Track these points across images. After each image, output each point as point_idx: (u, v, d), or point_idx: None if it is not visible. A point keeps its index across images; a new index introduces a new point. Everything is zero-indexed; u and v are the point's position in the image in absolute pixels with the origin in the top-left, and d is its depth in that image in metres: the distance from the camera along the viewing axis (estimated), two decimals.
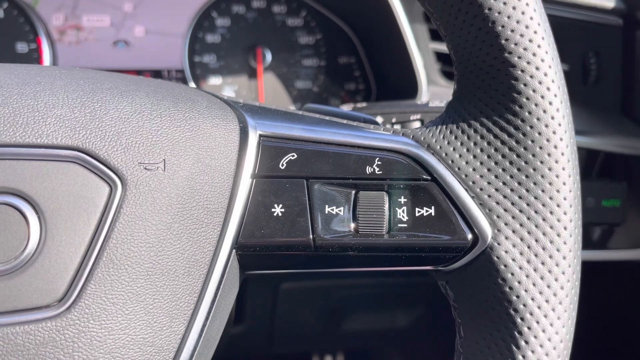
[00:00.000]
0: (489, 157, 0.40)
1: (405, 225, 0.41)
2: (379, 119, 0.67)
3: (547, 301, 0.39)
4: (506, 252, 0.40)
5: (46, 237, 0.36)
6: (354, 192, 0.42)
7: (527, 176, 0.39)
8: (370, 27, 0.95)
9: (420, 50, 0.87)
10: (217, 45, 0.95)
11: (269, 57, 0.96)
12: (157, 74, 0.94)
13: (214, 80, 0.95)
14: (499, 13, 0.38)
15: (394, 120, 0.66)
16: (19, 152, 0.36)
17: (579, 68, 0.91)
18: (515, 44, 0.39)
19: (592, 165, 0.89)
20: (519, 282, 0.39)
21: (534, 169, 0.39)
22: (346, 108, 0.75)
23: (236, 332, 1.08)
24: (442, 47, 0.90)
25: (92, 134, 0.37)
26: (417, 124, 0.66)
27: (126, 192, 0.37)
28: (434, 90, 0.88)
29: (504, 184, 0.40)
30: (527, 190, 0.39)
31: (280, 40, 0.97)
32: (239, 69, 0.96)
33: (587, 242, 0.89)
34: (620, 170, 0.90)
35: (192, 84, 0.94)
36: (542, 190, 0.39)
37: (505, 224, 0.40)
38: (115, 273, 0.36)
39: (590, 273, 1.01)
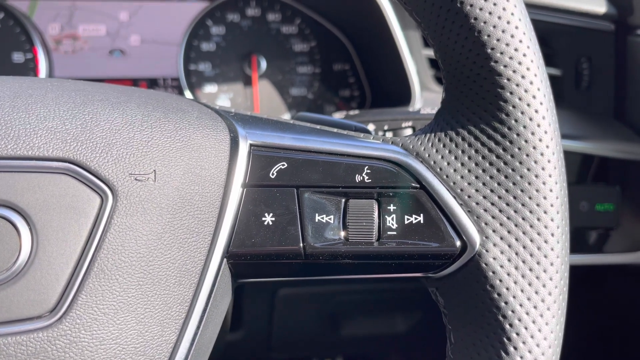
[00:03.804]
0: (476, 164, 0.41)
1: (395, 232, 0.42)
2: (371, 127, 0.68)
3: (535, 307, 0.39)
4: (494, 258, 0.40)
5: (37, 248, 0.36)
6: (343, 200, 0.43)
7: (514, 183, 0.40)
8: (364, 34, 0.96)
9: (413, 57, 0.88)
10: (212, 54, 0.96)
11: (264, 64, 0.96)
12: (152, 82, 0.95)
13: (210, 89, 0.96)
14: (485, 23, 0.39)
15: (386, 127, 0.67)
16: (11, 165, 0.36)
17: (572, 73, 0.92)
18: (501, 53, 0.39)
19: (586, 170, 0.90)
20: (507, 289, 0.39)
21: (521, 177, 0.40)
22: (339, 116, 0.75)
23: (234, 338, 1.08)
24: None
25: (83, 146, 0.38)
26: (409, 131, 0.67)
27: (117, 202, 0.37)
28: (427, 96, 0.89)
29: (492, 191, 0.40)
30: (515, 198, 0.40)
31: (275, 48, 0.97)
32: (234, 76, 0.96)
33: (583, 246, 0.90)
34: (615, 175, 0.90)
35: (188, 92, 0.95)
36: (530, 198, 0.40)
37: (493, 231, 0.40)
38: (107, 283, 0.37)
39: (586, 277, 1.01)
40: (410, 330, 1.19)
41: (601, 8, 0.88)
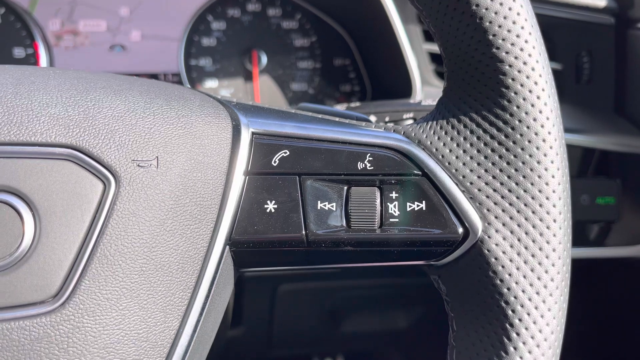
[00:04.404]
0: (478, 151, 0.41)
1: (397, 220, 0.42)
2: (373, 118, 0.68)
3: (537, 293, 0.39)
4: (497, 244, 0.40)
5: (40, 234, 0.36)
6: (346, 187, 0.43)
7: (516, 169, 0.40)
8: (364, 28, 0.96)
9: (414, 51, 0.88)
10: (212, 49, 0.96)
11: (264, 59, 0.97)
12: (153, 77, 0.95)
13: (210, 83, 0.96)
14: (487, 9, 0.39)
15: (387, 119, 0.67)
16: (14, 150, 0.37)
17: (572, 67, 0.92)
18: (503, 40, 0.39)
19: (587, 164, 0.90)
20: (510, 275, 0.39)
21: (523, 162, 0.40)
22: (340, 107, 0.75)
23: (235, 335, 1.08)
24: (436, 48, 0.90)
25: (86, 132, 0.38)
26: (410, 122, 0.67)
27: (119, 189, 0.37)
28: (428, 91, 0.89)
29: (494, 177, 0.40)
30: (517, 183, 0.40)
31: (275, 43, 0.97)
32: (235, 71, 0.96)
33: (584, 240, 0.90)
34: (615, 168, 0.90)
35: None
36: (531, 183, 0.40)
37: (495, 217, 0.40)
38: (109, 269, 0.37)
39: (587, 270, 1.01)
40: (411, 326, 1.19)
41: (601, 2, 0.88)
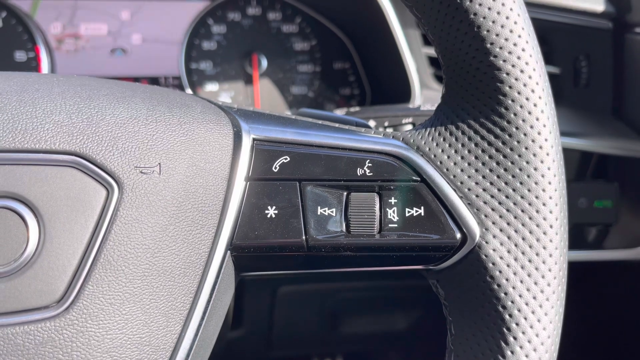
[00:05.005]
0: (476, 158, 0.41)
1: (396, 225, 0.42)
2: (372, 123, 0.68)
3: (534, 298, 0.40)
4: (494, 250, 0.40)
5: (45, 239, 0.37)
6: (345, 193, 0.43)
7: (513, 176, 0.40)
8: (364, 33, 0.96)
9: (413, 55, 0.89)
10: (213, 52, 0.96)
11: (264, 63, 0.97)
12: (154, 81, 0.95)
13: (211, 87, 0.96)
14: (484, 18, 0.39)
15: (386, 123, 0.67)
16: (18, 157, 0.37)
17: (570, 71, 0.92)
18: (500, 48, 0.40)
19: (585, 167, 0.90)
20: (507, 280, 0.40)
21: (520, 169, 0.40)
22: (340, 112, 0.76)
23: (235, 336, 1.09)
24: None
25: (89, 139, 0.38)
26: (409, 127, 0.67)
27: (123, 195, 0.38)
28: (427, 94, 0.89)
29: (491, 184, 0.41)
30: (514, 190, 0.40)
31: (275, 47, 0.98)
32: (235, 75, 0.97)
33: (582, 243, 0.90)
34: (614, 171, 0.91)
35: (189, 91, 0.95)
36: (528, 190, 0.40)
37: (493, 223, 0.41)
38: (113, 274, 0.37)
39: (585, 273, 1.02)
40: (410, 328, 1.19)
41: (599, 6, 0.88)
